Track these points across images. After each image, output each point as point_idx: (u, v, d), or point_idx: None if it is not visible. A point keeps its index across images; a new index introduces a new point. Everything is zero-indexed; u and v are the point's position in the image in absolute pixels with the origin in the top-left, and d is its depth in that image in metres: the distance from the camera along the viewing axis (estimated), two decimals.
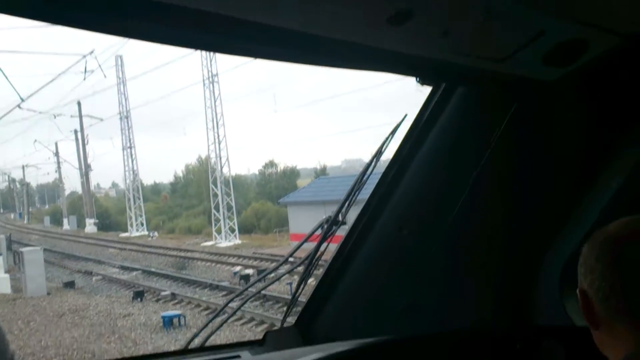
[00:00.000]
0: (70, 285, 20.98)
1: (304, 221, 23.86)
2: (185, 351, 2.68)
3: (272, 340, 2.73)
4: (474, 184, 2.31)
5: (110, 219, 57.60)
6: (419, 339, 2.42)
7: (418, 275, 2.60)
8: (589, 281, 1.27)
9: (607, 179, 2.34)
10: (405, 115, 2.41)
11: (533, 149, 2.32)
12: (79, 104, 47.67)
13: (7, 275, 21.26)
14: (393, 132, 2.45)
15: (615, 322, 1.23)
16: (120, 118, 47.23)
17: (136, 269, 23.41)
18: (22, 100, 30.41)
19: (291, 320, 2.93)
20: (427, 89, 2.23)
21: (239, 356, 2.58)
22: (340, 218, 2.62)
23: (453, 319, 2.62)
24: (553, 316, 2.52)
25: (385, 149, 2.52)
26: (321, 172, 54.25)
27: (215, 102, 38.16)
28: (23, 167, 69.55)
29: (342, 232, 2.75)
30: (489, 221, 2.52)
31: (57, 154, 58.75)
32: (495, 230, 2.55)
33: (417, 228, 2.55)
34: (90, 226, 49.02)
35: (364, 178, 2.56)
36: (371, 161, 2.56)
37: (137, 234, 43.70)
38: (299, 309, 2.92)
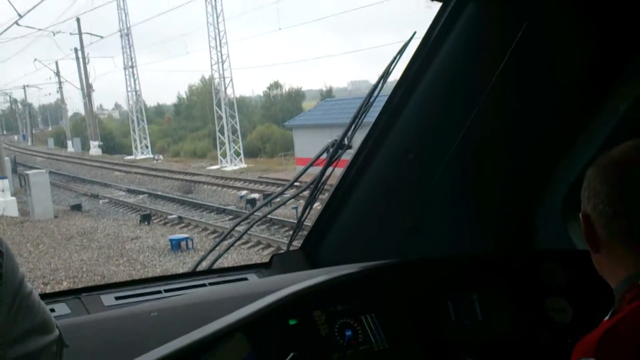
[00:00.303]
0: (77, 208, 21.20)
1: (309, 145, 23.83)
2: (193, 273, 2.72)
3: (278, 263, 2.77)
4: (481, 105, 2.26)
5: (115, 142, 57.56)
6: (423, 263, 2.44)
7: (423, 199, 2.60)
8: (592, 205, 1.27)
9: (615, 103, 2.29)
10: (414, 33, 2.33)
11: (540, 69, 2.26)
12: (78, 20, 46.54)
13: (13, 198, 21.48)
14: (401, 52, 2.37)
15: (617, 246, 1.24)
16: (121, 35, 46.11)
17: (142, 193, 23.60)
18: (20, 16, 29.69)
19: (297, 244, 2.96)
20: (436, 6, 2.15)
21: (246, 278, 2.62)
22: (346, 142, 2.59)
23: (456, 244, 2.63)
24: (556, 240, 2.54)
25: (392, 70, 2.45)
26: (327, 94, 53.52)
27: (217, 18, 37.08)
28: (24, 87, 68.45)
29: (347, 156, 2.73)
30: (495, 144, 2.49)
31: (58, 73, 57.93)
32: (501, 154, 2.52)
33: (423, 151, 2.52)
34: (94, 149, 49.10)
35: (371, 100, 2.50)
36: (378, 82, 2.49)
37: (142, 156, 43.81)
38: (305, 233, 2.94)
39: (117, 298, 2.29)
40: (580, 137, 2.40)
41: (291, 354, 1.31)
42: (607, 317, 1.22)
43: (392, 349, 2.13)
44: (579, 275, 2.24)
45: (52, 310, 2.07)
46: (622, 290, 1.23)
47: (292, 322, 1.97)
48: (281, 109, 53.26)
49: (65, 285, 11.47)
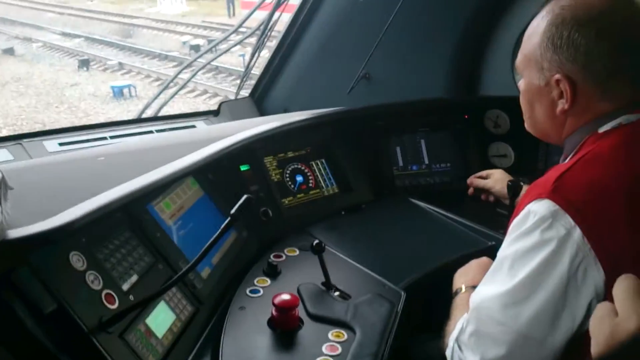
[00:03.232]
0: (9, 52, 20.00)
1: None
2: (139, 120, 2.68)
3: (227, 111, 2.74)
4: None
5: None
6: (372, 109, 2.45)
7: (374, 46, 2.56)
8: (582, 64, 1.12)
9: None
10: None
11: None
12: None
13: None
14: None
15: (602, 100, 1.14)
16: None
17: (79, 36, 22.35)
18: None
19: (245, 93, 2.92)
20: None
21: (194, 126, 2.60)
22: None
23: (406, 91, 2.64)
24: (502, 88, 2.57)
25: None
26: None
27: None
28: None
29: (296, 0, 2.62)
30: None
31: None
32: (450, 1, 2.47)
33: None
34: None
35: None
36: None
37: None
38: (253, 81, 2.89)
39: (60, 144, 2.24)
40: None
41: (244, 197, 1.31)
42: (562, 161, 1.21)
43: (342, 193, 2.20)
44: (523, 122, 2.30)
45: None
46: (581, 137, 1.18)
47: (243, 167, 1.98)
48: None
49: (4, 133, 11.12)
